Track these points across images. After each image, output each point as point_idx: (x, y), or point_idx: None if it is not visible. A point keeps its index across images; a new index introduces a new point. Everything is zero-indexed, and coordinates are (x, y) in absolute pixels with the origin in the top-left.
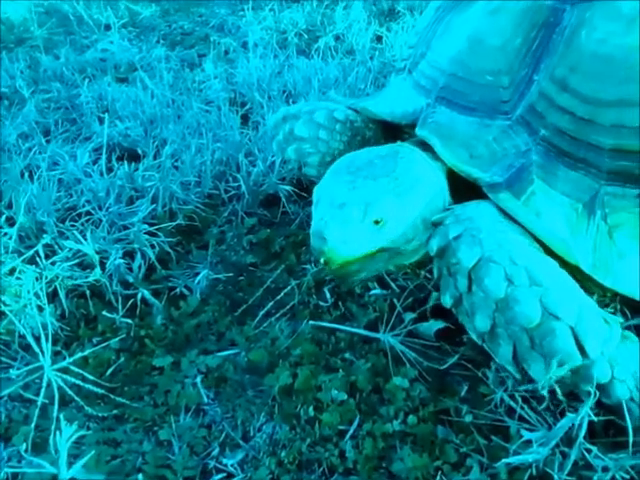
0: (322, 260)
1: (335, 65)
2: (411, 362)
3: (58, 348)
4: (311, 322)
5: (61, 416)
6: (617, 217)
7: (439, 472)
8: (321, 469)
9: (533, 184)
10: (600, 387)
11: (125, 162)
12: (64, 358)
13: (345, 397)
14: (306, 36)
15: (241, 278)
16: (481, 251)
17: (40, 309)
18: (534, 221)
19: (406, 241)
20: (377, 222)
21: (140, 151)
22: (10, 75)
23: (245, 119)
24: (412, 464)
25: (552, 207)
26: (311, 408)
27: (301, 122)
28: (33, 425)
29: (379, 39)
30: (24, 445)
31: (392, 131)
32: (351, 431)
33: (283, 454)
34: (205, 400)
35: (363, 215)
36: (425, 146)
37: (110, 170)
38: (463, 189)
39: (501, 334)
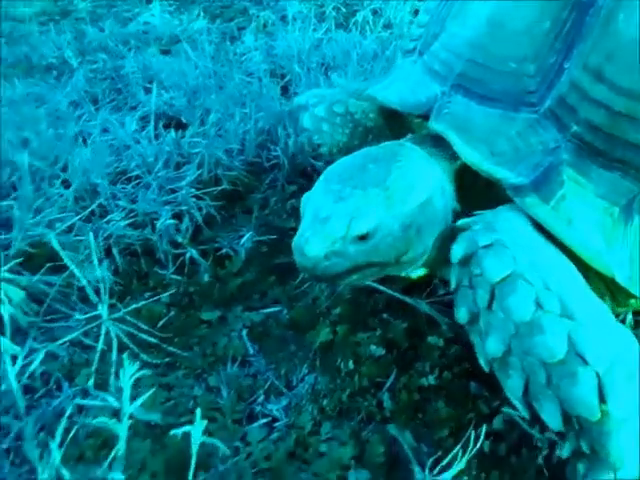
0: (306, 276)
1: (373, 39)
2: (447, 324)
3: (113, 301)
4: None
5: (124, 355)
6: None
7: (471, 423)
8: (360, 417)
9: (563, 186)
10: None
11: (172, 129)
12: (119, 310)
13: (383, 352)
14: (344, 9)
15: (283, 241)
16: (512, 266)
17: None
18: (565, 230)
19: (398, 254)
20: (362, 237)
21: (184, 120)
22: (57, 46)
23: (285, 90)
24: (446, 415)
25: (585, 213)
26: (351, 362)
27: (306, 115)
28: (94, 368)
29: (417, 13)
30: (91, 381)
31: (397, 118)
32: (388, 383)
33: (324, 402)
34: (250, 352)
35: (346, 230)
36: (435, 140)
37: (157, 137)
38: (472, 192)
39: (513, 364)
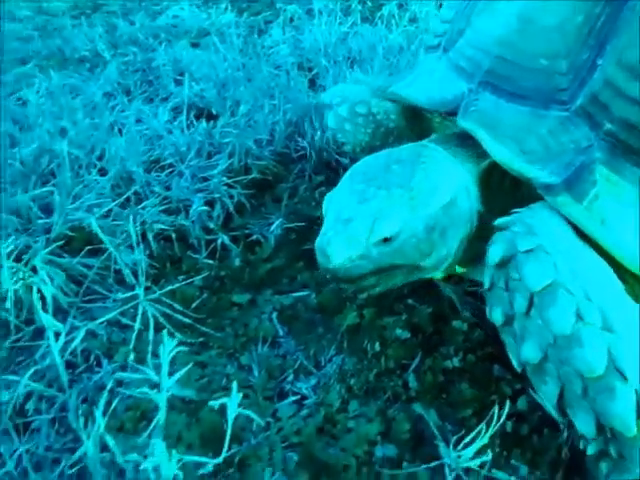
0: (328, 277)
1: (399, 33)
2: (470, 309)
3: (148, 284)
4: None
5: (164, 332)
6: None
7: (494, 404)
8: (386, 396)
9: (596, 186)
10: None
11: (203, 120)
12: (154, 292)
13: (408, 335)
14: (370, 3)
15: (312, 228)
16: (554, 275)
17: (132, 248)
18: (599, 230)
19: (421, 256)
20: (386, 239)
21: (214, 111)
22: (89, 39)
23: (312, 83)
24: (470, 396)
25: (619, 212)
26: (377, 344)
27: (330, 114)
28: (131, 346)
29: (441, 7)
30: (131, 356)
31: (418, 119)
32: (413, 365)
33: (352, 381)
34: (280, 333)
35: (369, 232)
36: (460, 140)
37: (189, 127)
38: (497, 193)
39: (550, 371)
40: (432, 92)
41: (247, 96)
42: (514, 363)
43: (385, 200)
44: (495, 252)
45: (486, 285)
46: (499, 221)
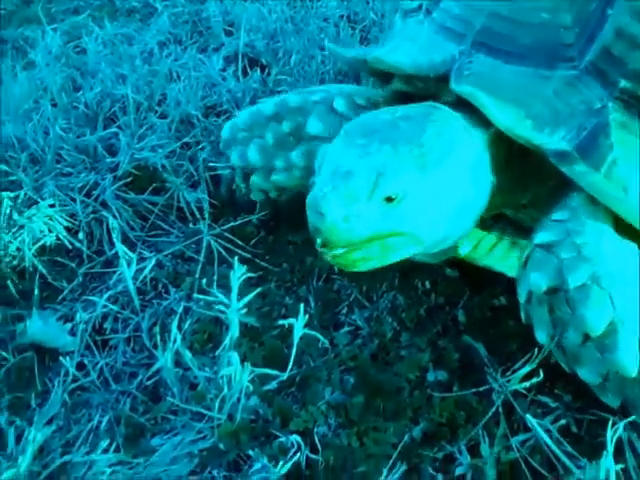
0: (319, 241)
1: None
2: None
3: (208, 221)
4: None
5: (235, 258)
6: None
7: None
8: (436, 329)
9: (613, 150)
10: None
11: (257, 69)
12: (214, 228)
13: (457, 274)
14: None
15: None
16: (612, 313)
17: (194, 186)
18: (622, 200)
19: (428, 227)
20: (391, 199)
21: (264, 61)
22: None
23: (360, 38)
24: (516, 331)
25: None
26: (427, 282)
27: (314, 116)
28: (197, 276)
29: None
30: (204, 280)
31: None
32: (462, 302)
33: (403, 315)
34: (335, 270)
35: (373, 187)
36: (454, 108)
37: (242, 76)
38: (504, 164)
39: (612, 389)
40: (418, 56)
41: (298, 47)
42: (563, 364)
43: (391, 155)
44: (538, 281)
45: (522, 299)
46: (540, 238)
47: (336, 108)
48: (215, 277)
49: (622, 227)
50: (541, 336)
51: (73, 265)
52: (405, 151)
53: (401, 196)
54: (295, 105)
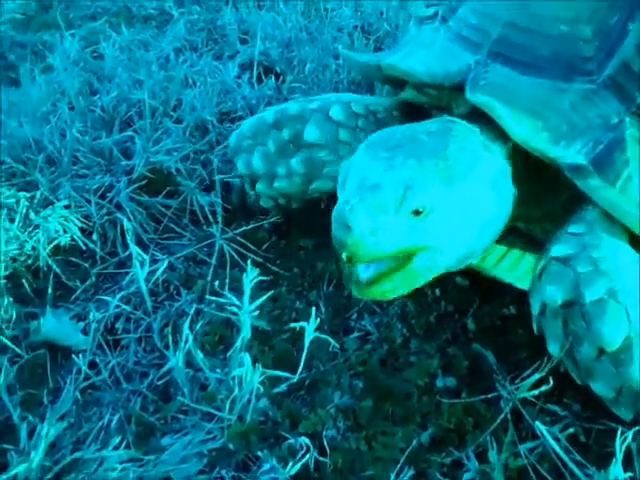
0: (344, 255)
1: None
2: None
3: (220, 226)
4: None
5: (248, 261)
6: None
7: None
8: (445, 336)
9: (629, 165)
10: None
11: (272, 76)
12: (227, 232)
13: (467, 283)
14: None
15: None
16: (628, 329)
17: (207, 191)
18: (637, 215)
19: (453, 241)
20: (418, 212)
21: (279, 69)
22: None
23: (374, 48)
24: (525, 340)
25: None
26: (437, 290)
27: (312, 123)
28: (209, 278)
29: None
30: (216, 282)
31: (418, 113)
32: (471, 311)
33: (413, 321)
34: None
35: (401, 200)
36: (468, 120)
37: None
38: (522, 178)
39: (625, 402)
40: (433, 64)
41: (312, 55)
42: (573, 375)
43: (417, 169)
44: (554, 294)
45: (535, 311)
46: (557, 251)
47: (331, 116)
48: (227, 280)
49: (637, 241)
50: (554, 348)
51: (87, 265)
52: (430, 165)
53: (428, 209)
54: (294, 113)
